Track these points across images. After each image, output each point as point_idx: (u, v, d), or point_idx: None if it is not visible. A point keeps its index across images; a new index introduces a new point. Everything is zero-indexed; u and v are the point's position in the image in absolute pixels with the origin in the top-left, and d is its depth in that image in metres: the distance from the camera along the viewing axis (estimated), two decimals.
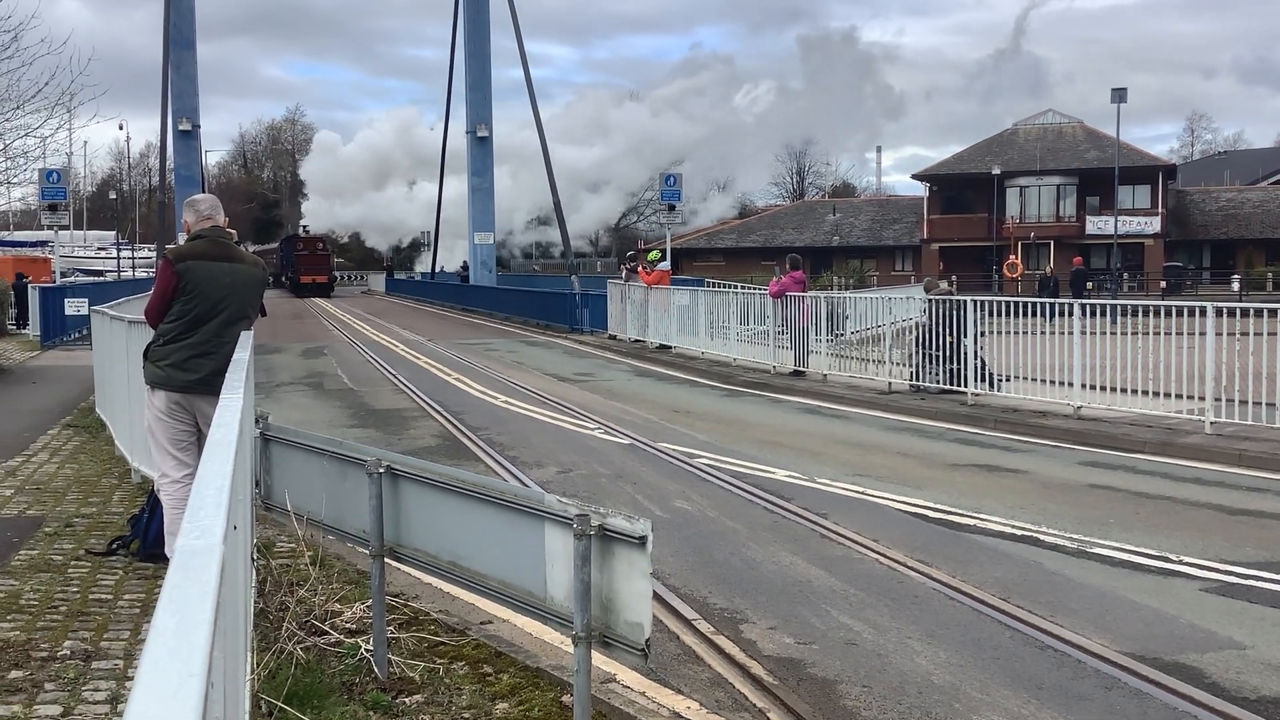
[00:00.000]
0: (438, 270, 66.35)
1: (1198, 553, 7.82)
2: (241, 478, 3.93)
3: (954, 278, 48.29)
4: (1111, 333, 14.80)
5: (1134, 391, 13.42)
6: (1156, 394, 13.27)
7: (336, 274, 78.42)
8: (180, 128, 44.19)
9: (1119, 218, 57.47)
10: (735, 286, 27.26)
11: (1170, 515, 9.14)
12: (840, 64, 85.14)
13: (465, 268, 55.74)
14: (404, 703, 5.16)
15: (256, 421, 6.39)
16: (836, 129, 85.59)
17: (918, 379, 16.42)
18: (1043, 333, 15.37)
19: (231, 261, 6.67)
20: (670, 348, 23.97)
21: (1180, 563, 7.58)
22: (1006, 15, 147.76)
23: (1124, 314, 15.36)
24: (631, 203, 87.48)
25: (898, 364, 17.17)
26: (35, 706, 4.92)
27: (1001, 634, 6.22)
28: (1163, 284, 56.36)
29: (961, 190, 68.32)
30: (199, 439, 6.59)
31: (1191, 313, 13.12)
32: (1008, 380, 15.34)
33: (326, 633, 5.88)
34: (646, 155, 78.87)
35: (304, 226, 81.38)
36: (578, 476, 10.64)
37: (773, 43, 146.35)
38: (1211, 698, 5.31)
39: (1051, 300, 16.78)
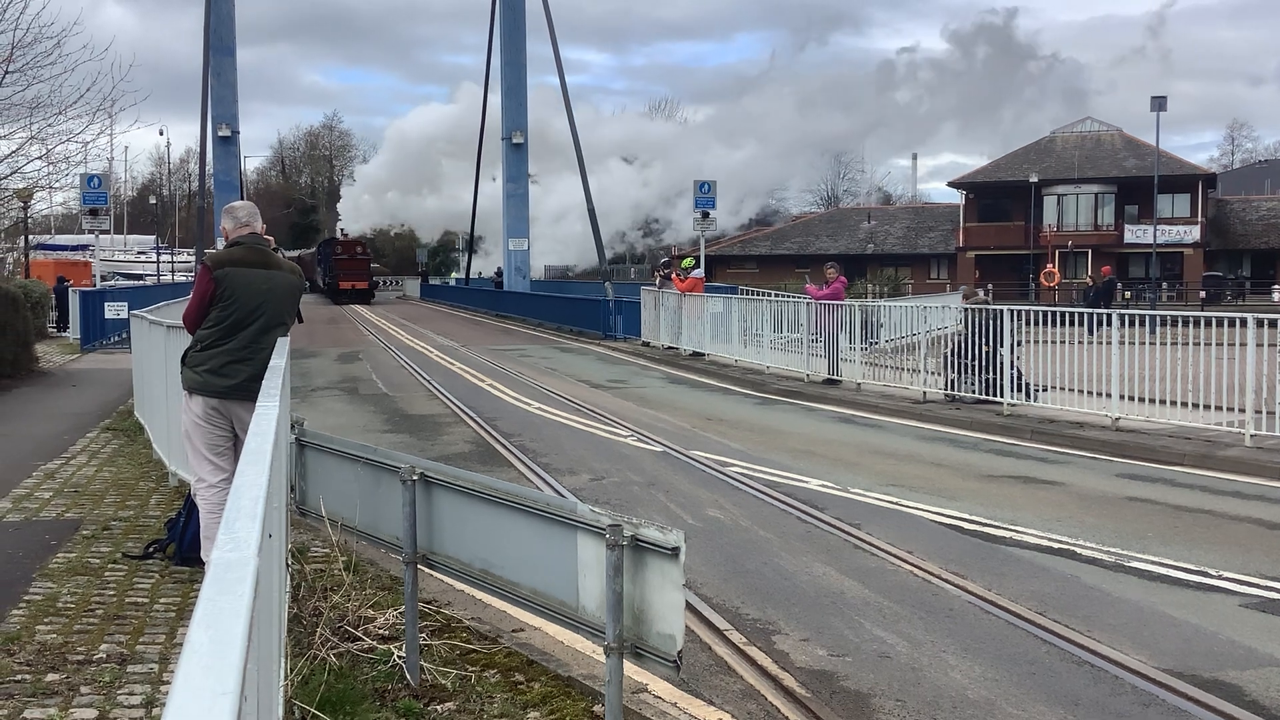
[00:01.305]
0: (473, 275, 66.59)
1: (1238, 568, 7.72)
2: (277, 485, 3.94)
3: (989, 286, 48.00)
4: (1150, 343, 14.65)
5: (1173, 403, 13.27)
6: (1196, 406, 13.11)
7: (377, 280, 75.22)
8: (220, 134, 44.75)
9: (1158, 227, 56.94)
10: (769, 294, 27.22)
11: (1210, 529, 9.02)
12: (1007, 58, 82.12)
13: (500, 274, 55.93)
14: (436, 710, 5.17)
15: (292, 427, 6.43)
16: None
17: (953, 389, 16.32)
18: (1080, 342, 15.23)
19: (269, 268, 6.72)
20: (703, 355, 23.94)
21: (1220, 578, 7.48)
22: (1047, 22, 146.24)
23: (1163, 324, 15.20)
24: (766, 202, 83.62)
25: (933, 373, 17.07)
26: (71, 710, 4.96)
27: (1038, 648, 6.16)
28: (1202, 294, 55.78)
29: (998, 198, 67.94)
30: (235, 444, 6.64)
31: (1232, 323, 12.96)
32: (1044, 390, 15.21)
33: (359, 639, 5.90)
34: (781, 155, 76.87)
35: (341, 230, 79.30)
36: (610, 484, 10.64)
37: (813, 49, 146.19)
38: (1252, 716, 5.24)
39: (1089, 310, 16.63)
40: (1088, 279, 43.40)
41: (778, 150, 77.89)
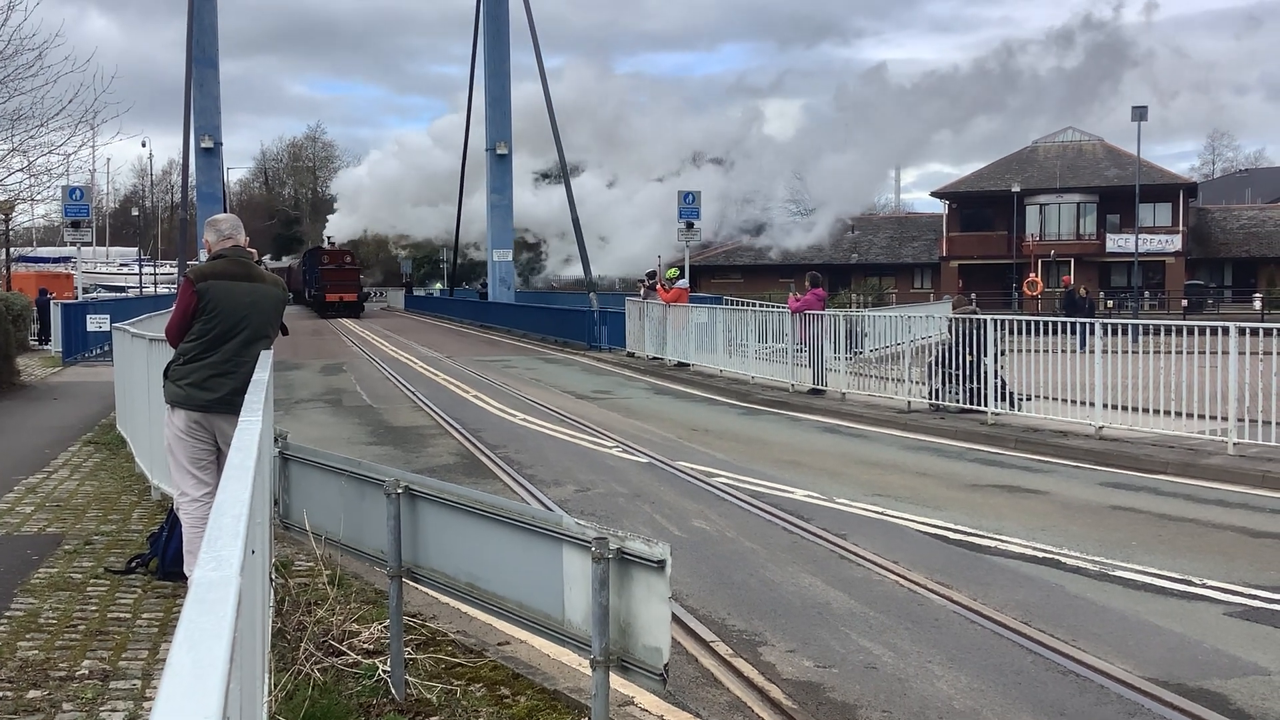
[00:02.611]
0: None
1: (1221, 576, 7.74)
2: (260, 500, 3.92)
3: (974, 295, 48.12)
4: (1133, 352, 14.71)
5: (1156, 411, 13.32)
6: (1179, 414, 13.17)
7: (368, 291, 70.38)
8: (202, 145, 44.63)
9: (1140, 236, 57.23)
10: (753, 304, 27.24)
11: (1193, 538, 9.05)
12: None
13: (484, 285, 55.82)
14: None
15: (275, 440, 6.40)
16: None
17: (937, 398, 16.35)
18: (1063, 351, 15.29)
19: (252, 281, 6.70)
20: (688, 365, 23.94)
21: (1204, 586, 7.50)
22: (1033, 31, 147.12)
23: (1145, 333, 15.27)
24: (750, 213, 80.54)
25: (917, 383, 17.11)
26: None
27: (1023, 658, 6.16)
28: (1184, 302, 56.07)
29: (981, 208, 68.18)
30: (218, 458, 6.61)
31: (1214, 332, 13.03)
32: (1028, 399, 15.25)
33: (344, 653, 5.86)
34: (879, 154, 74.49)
35: (328, 239, 75.07)
36: (595, 495, 10.62)
37: (799, 59, 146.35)
38: None
39: (1072, 320, 16.70)
40: (1082, 290, 43.25)
41: (866, 156, 75.26)
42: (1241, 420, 12.34)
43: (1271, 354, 12.69)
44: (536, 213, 70.85)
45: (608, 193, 72.85)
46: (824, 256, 70.78)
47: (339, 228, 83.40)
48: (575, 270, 73.38)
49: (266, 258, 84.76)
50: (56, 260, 60.21)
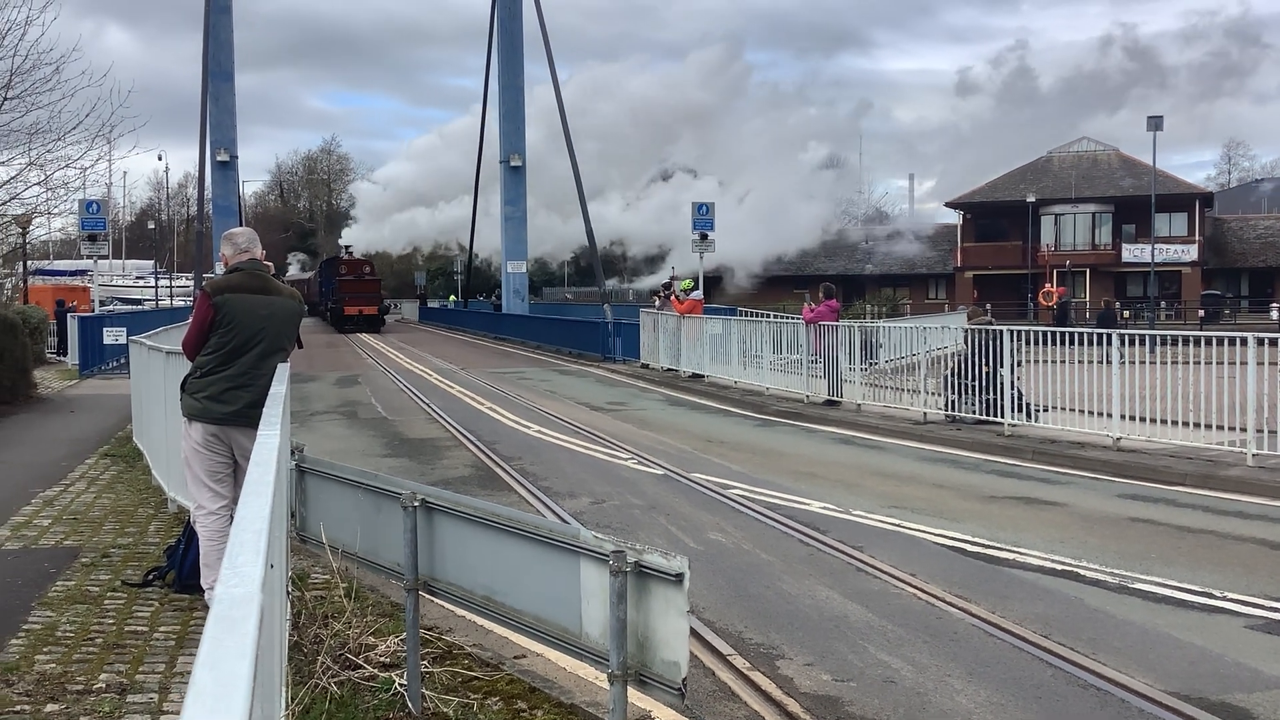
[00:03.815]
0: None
1: (1242, 589, 7.68)
2: (279, 515, 3.92)
3: (988, 306, 47.96)
4: (1150, 362, 14.64)
5: (1174, 423, 13.25)
6: (1197, 425, 13.09)
7: (388, 303, 66.05)
8: (218, 159, 44.89)
9: (1155, 246, 57.03)
10: (767, 315, 27.20)
11: (1213, 550, 8.99)
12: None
13: (498, 296, 55.84)
14: None
15: (291, 453, 6.40)
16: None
17: (953, 409, 16.29)
18: (1080, 362, 15.21)
19: (268, 294, 6.72)
20: (703, 377, 23.92)
21: (1224, 599, 7.45)
22: (1047, 43, 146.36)
23: (1162, 343, 15.18)
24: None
25: (933, 394, 17.05)
26: None
27: (1043, 672, 6.12)
28: (1200, 312, 55.81)
29: (996, 218, 68.09)
30: (235, 470, 6.62)
31: (1231, 342, 12.96)
32: (1045, 411, 15.18)
33: (360, 666, 5.85)
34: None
35: (346, 249, 70.56)
36: (611, 508, 10.60)
37: (815, 69, 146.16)
38: None
39: (1088, 330, 16.61)
40: (1102, 303, 42.66)
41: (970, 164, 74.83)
42: (1260, 431, 12.26)
43: None
44: (626, 225, 71.55)
45: (715, 196, 73.00)
46: (928, 264, 70.63)
47: (356, 240, 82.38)
48: (663, 274, 73.31)
49: (300, 263, 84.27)
50: (73, 273, 60.44)
